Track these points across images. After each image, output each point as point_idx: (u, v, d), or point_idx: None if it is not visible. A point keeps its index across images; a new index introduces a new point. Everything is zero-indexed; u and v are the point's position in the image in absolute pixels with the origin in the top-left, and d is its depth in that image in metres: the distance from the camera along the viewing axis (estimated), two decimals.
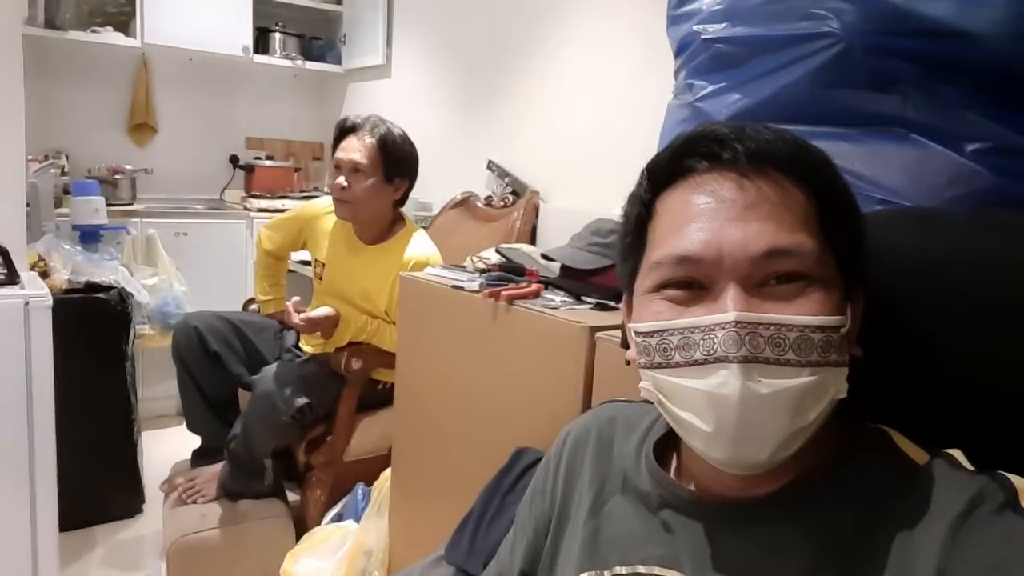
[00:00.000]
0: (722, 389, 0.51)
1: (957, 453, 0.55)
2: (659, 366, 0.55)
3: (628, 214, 0.64)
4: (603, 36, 2.19)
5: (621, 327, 0.98)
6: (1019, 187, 0.71)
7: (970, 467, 0.53)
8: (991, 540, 0.47)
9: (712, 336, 0.51)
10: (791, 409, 0.51)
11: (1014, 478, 0.51)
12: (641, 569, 0.60)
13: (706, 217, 0.54)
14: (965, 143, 0.73)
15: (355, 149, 1.97)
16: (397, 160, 2.00)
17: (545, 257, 1.46)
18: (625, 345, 0.77)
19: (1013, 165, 0.72)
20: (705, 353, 0.52)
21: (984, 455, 0.54)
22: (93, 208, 2.82)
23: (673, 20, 1.04)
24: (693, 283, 0.54)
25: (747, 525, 0.56)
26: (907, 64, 0.75)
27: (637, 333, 0.58)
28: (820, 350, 0.51)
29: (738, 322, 0.50)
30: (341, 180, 1.96)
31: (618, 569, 0.62)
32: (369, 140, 1.97)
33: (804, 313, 0.51)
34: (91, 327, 2.25)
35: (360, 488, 1.92)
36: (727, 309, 0.51)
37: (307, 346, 2.17)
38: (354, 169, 1.96)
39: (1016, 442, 0.57)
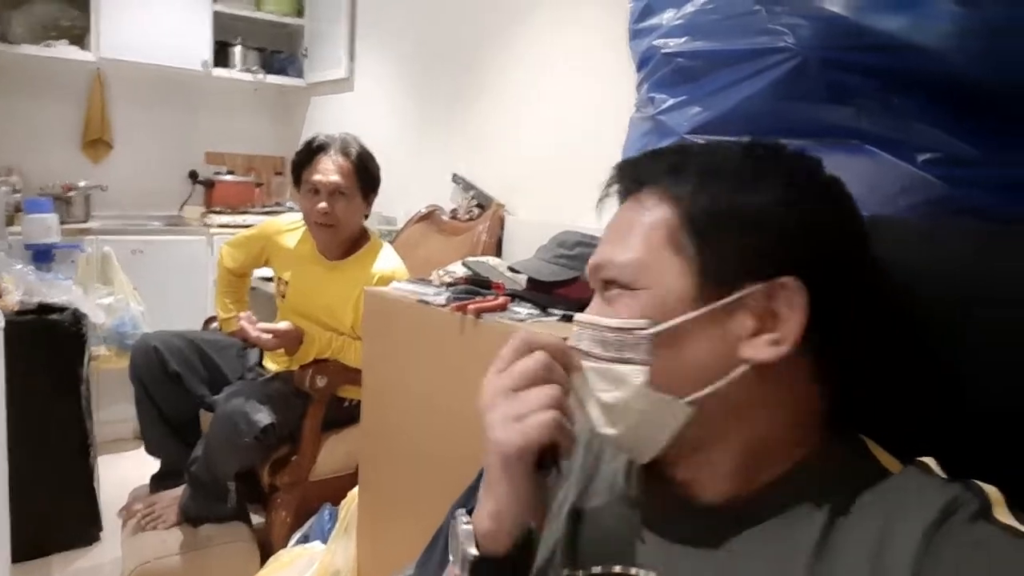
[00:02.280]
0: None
1: (931, 461, 0.55)
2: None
3: None
4: (566, 49, 2.21)
5: None
6: (969, 196, 0.73)
7: (943, 475, 0.54)
8: (964, 549, 0.47)
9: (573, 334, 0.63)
10: (599, 390, 0.59)
11: (988, 487, 0.51)
12: (617, 569, 0.61)
13: (602, 238, 0.65)
14: (917, 153, 0.75)
15: (333, 172, 1.94)
16: (371, 177, 2.01)
17: (511, 270, 1.46)
18: None
19: (963, 175, 0.73)
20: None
21: (959, 462, 0.55)
22: (46, 226, 2.75)
23: (635, 34, 1.05)
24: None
25: (716, 530, 0.57)
26: (861, 77, 0.77)
27: None
28: (615, 348, 0.58)
29: (578, 321, 0.63)
30: (323, 205, 1.93)
31: (595, 569, 0.63)
32: (344, 161, 1.96)
33: (613, 316, 0.59)
34: (44, 349, 2.18)
35: (327, 508, 1.89)
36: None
37: (271, 364, 2.13)
38: (335, 192, 1.94)
39: (987, 450, 0.58)
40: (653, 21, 1.00)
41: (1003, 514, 0.49)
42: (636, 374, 0.57)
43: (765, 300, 0.55)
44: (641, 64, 1.04)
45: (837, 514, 0.53)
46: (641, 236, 0.59)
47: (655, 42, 0.97)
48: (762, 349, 0.55)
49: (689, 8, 0.92)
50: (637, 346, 0.57)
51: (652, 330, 0.56)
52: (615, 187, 0.66)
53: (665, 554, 0.60)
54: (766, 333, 0.55)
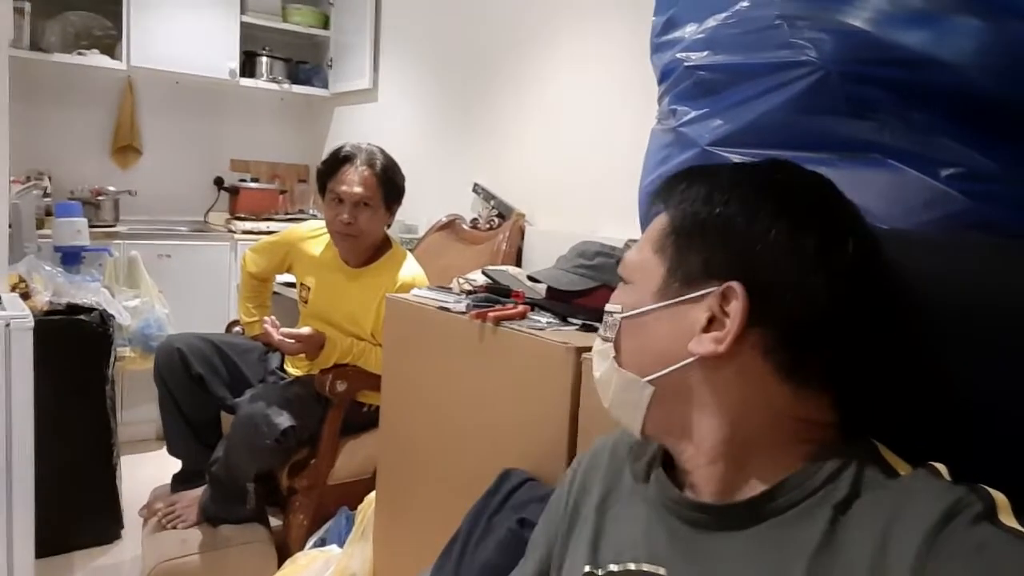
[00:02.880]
0: None
1: (940, 466, 0.56)
2: None
3: None
4: (588, 61, 2.23)
5: None
6: (991, 211, 0.73)
7: (949, 479, 0.54)
8: (966, 551, 0.48)
9: None
10: (595, 368, 0.71)
11: (994, 492, 0.52)
12: (631, 566, 0.65)
13: None
14: (939, 168, 0.75)
15: (357, 183, 1.97)
16: (395, 188, 2.04)
17: (531, 279, 1.47)
18: None
19: (985, 189, 0.74)
20: None
21: (968, 468, 0.55)
22: (75, 229, 2.80)
23: (656, 48, 1.06)
24: None
25: (720, 530, 0.60)
26: (883, 91, 0.78)
27: None
28: (604, 328, 0.69)
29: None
30: (345, 216, 1.97)
31: (611, 567, 0.67)
32: (369, 172, 1.98)
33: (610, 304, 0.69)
34: (71, 349, 2.22)
35: (344, 512, 1.90)
36: None
37: (292, 368, 2.16)
38: (359, 203, 1.97)
39: (996, 457, 0.58)
40: (675, 35, 1.01)
41: (1008, 518, 0.50)
42: (608, 351, 0.68)
43: (718, 302, 0.60)
44: (663, 77, 1.05)
45: (841, 513, 0.55)
46: (645, 241, 0.68)
47: (677, 55, 0.98)
48: (704, 344, 0.60)
49: (711, 22, 0.93)
50: (613, 327, 0.68)
51: (620, 315, 0.67)
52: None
53: (674, 551, 0.63)
54: (714, 331, 0.60)
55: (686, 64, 0.95)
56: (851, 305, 0.59)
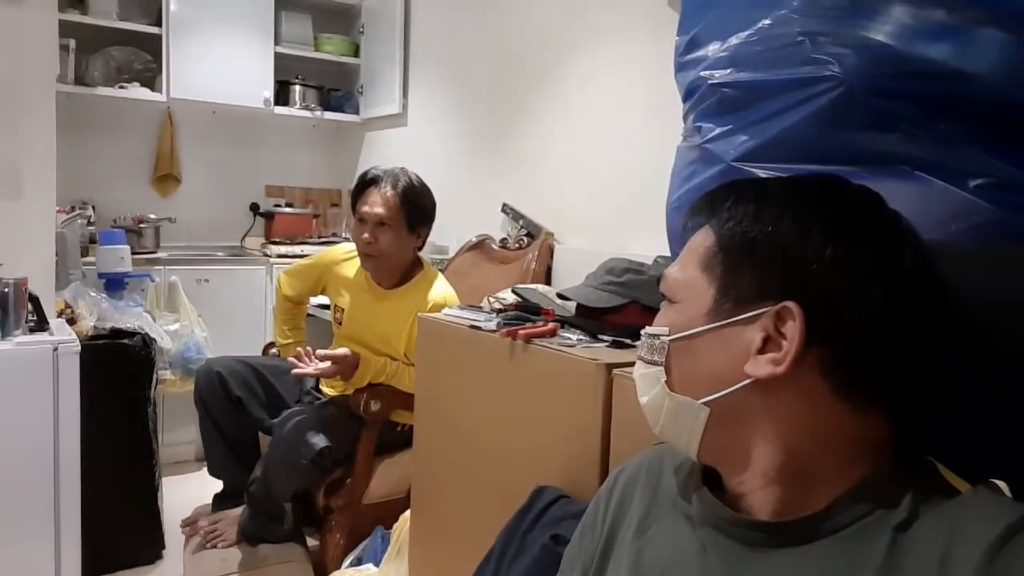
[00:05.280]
0: None
1: (1000, 483, 0.56)
2: None
3: None
4: (611, 81, 2.25)
5: None
6: (1020, 220, 0.73)
7: (1010, 496, 0.54)
8: None
9: None
10: (640, 393, 0.69)
11: None
12: None
13: None
14: (967, 179, 0.75)
15: (379, 204, 2.02)
16: (419, 210, 2.06)
17: (561, 296, 1.48)
18: None
19: (1015, 200, 0.74)
20: None
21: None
22: (118, 256, 2.89)
23: (680, 67, 1.08)
24: None
25: (777, 548, 0.59)
26: (907, 104, 0.78)
27: None
28: (648, 351, 0.67)
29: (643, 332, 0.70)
30: (367, 235, 2.01)
31: None
32: (391, 193, 2.02)
33: (654, 325, 0.67)
34: (116, 372, 2.28)
35: (379, 531, 1.92)
36: None
37: (327, 388, 2.19)
38: (379, 223, 2.01)
39: None
40: (699, 53, 1.03)
41: None
42: (657, 375, 0.65)
43: (773, 322, 0.59)
44: (687, 95, 1.06)
45: (901, 533, 0.54)
46: (689, 258, 0.66)
47: (701, 73, 1.00)
48: (762, 366, 0.58)
49: (734, 40, 0.94)
50: (661, 350, 0.65)
51: (668, 338, 0.65)
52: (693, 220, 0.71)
53: (726, 570, 0.61)
54: (770, 352, 0.58)
55: (710, 82, 0.97)
56: (910, 319, 0.58)
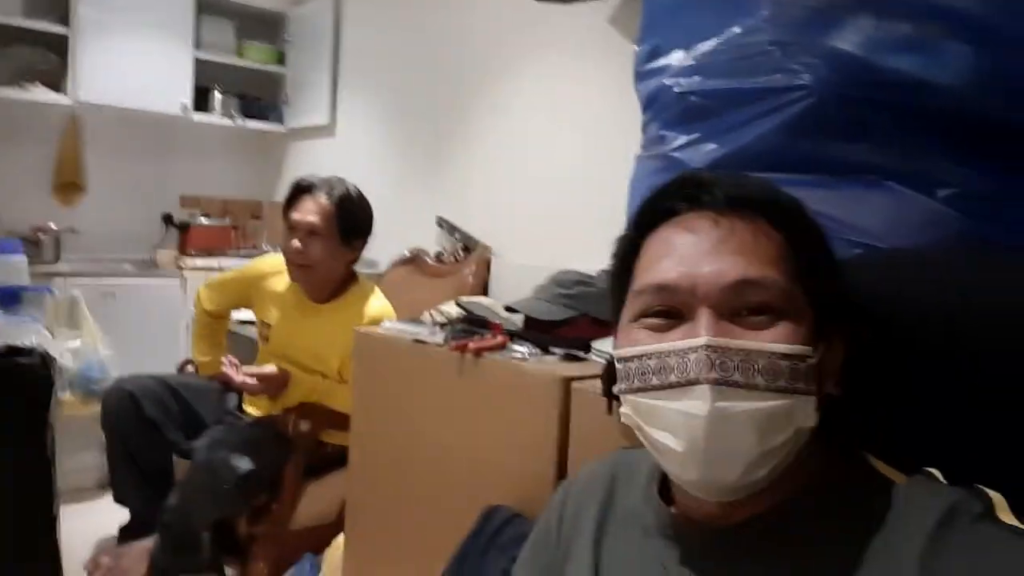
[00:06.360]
0: (693, 408, 0.54)
1: (934, 471, 0.57)
2: (638, 390, 0.58)
3: (616, 252, 0.68)
4: (553, 93, 2.26)
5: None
6: (988, 230, 0.75)
7: (945, 482, 0.56)
8: (969, 550, 0.49)
9: (686, 359, 0.55)
10: (757, 431, 0.53)
11: (991, 491, 0.53)
12: None
13: (684, 250, 0.59)
14: (936, 188, 0.77)
15: (312, 211, 1.92)
16: (355, 221, 1.97)
17: (509, 309, 1.44)
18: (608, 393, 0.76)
19: (981, 209, 0.75)
20: (679, 375, 0.55)
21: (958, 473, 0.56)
22: (15, 268, 2.65)
23: (641, 75, 1.07)
24: (671, 312, 0.58)
25: (731, 553, 0.59)
26: (876, 114, 0.79)
27: (619, 359, 0.61)
28: (787, 377, 0.54)
29: (709, 346, 0.54)
30: (297, 244, 1.91)
31: None
32: (326, 202, 1.93)
33: (772, 341, 0.54)
34: (10, 393, 2.07)
35: (308, 559, 1.81)
36: (700, 334, 0.55)
37: (251, 408, 2.07)
38: (310, 232, 1.91)
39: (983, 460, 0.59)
40: (662, 62, 1.02)
41: (1007, 516, 0.51)
42: (805, 405, 0.55)
43: (839, 341, 0.60)
44: (648, 103, 1.05)
45: (848, 527, 0.55)
46: (775, 260, 0.57)
47: (665, 81, 0.99)
48: (833, 386, 0.59)
49: (701, 48, 0.94)
50: (799, 375, 0.55)
51: (814, 358, 0.55)
52: (678, 200, 0.63)
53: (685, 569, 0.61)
54: (833, 371, 0.59)
55: (676, 90, 0.96)
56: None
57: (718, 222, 0.59)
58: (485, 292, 2.32)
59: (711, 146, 0.90)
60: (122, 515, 2.12)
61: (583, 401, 1.07)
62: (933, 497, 0.53)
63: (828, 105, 0.81)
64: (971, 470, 0.56)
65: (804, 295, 0.57)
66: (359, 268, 2.13)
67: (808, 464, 0.59)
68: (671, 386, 0.55)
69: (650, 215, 0.64)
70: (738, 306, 0.56)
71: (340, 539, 1.64)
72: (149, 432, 1.99)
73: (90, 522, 2.43)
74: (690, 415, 0.54)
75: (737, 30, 0.89)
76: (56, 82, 3.26)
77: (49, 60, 3.28)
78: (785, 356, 0.54)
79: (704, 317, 0.55)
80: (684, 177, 0.65)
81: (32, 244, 3.08)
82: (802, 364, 0.55)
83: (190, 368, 2.33)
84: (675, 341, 0.56)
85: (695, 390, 0.54)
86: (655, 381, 0.57)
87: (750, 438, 0.53)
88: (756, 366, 0.53)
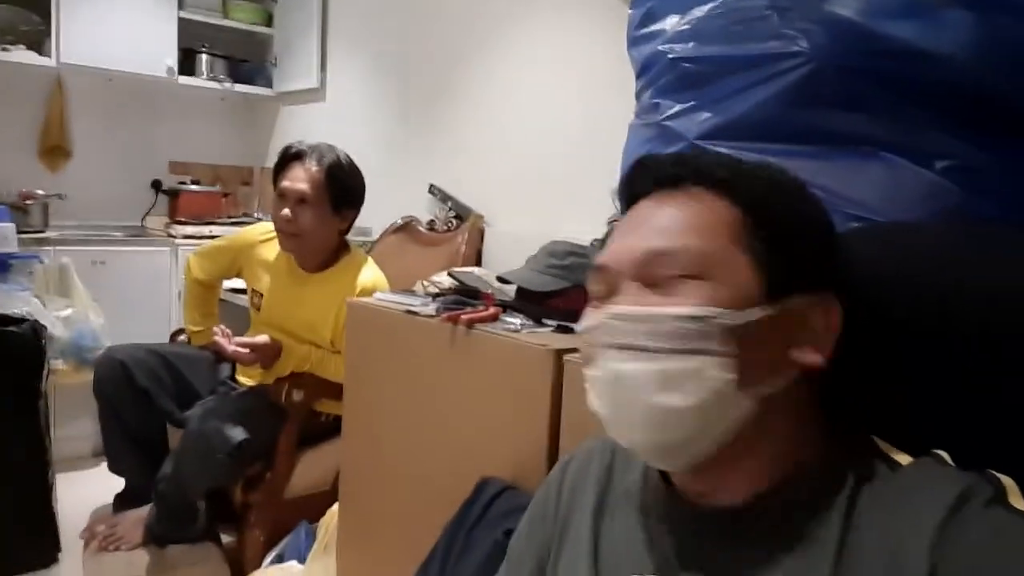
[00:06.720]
0: (597, 371, 0.59)
1: (942, 453, 0.56)
2: (584, 364, 0.63)
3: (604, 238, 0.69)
4: (547, 58, 2.21)
5: None
6: (986, 204, 0.73)
7: (954, 465, 0.55)
8: (981, 536, 0.48)
9: (597, 330, 0.60)
10: (654, 389, 0.55)
11: (1002, 476, 0.52)
12: None
13: (617, 234, 0.64)
14: (934, 160, 0.75)
15: (301, 179, 1.89)
16: (345, 190, 1.94)
17: (501, 280, 1.43)
18: None
19: (978, 183, 0.74)
20: (591, 344, 0.61)
21: (969, 457, 0.55)
22: (2, 236, 2.62)
23: (635, 41, 1.04)
24: (609, 290, 0.61)
25: (731, 533, 0.58)
26: (874, 84, 0.77)
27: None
28: (696, 339, 0.54)
29: (613, 315, 0.58)
30: (286, 212, 1.88)
31: None
32: (316, 169, 1.89)
33: (678, 306, 0.55)
34: (2, 363, 2.07)
35: (304, 526, 1.82)
36: (617, 305, 0.59)
37: (244, 378, 2.06)
38: (300, 200, 1.88)
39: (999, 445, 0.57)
40: (655, 27, 0.99)
41: (1018, 501, 0.50)
42: (715, 366, 0.54)
43: (812, 309, 0.58)
44: (643, 70, 1.03)
45: (851, 510, 0.54)
46: (704, 229, 0.58)
47: (659, 48, 0.96)
48: (808, 355, 0.57)
49: (696, 13, 0.91)
50: (710, 336, 0.54)
51: (730, 320, 0.55)
52: (636, 184, 0.66)
53: (680, 559, 0.61)
54: (809, 341, 0.57)
55: (670, 56, 0.93)
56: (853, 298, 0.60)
57: (661, 203, 0.62)
58: (478, 261, 2.30)
59: (705, 115, 0.88)
60: (117, 483, 2.13)
61: (575, 373, 1.06)
62: (943, 482, 0.52)
63: (825, 74, 0.78)
64: (965, 453, 0.55)
65: (753, 260, 0.57)
66: (351, 236, 2.10)
67: (805, 442, 0.58)
68: (589, 357, 0.61)
69: (625, 201, 0.68)
70: (654, 276, 0.58)
71: (335, 507, 1.64)
72: (141, 402, 1.99)
73: (86, 490, 2.45)
74: (596, 378, 0.60)
75: None
76: (39, 44, 3.18)
77: (31, 21, 3.19)
78: (694, 318, 0.55)
79: (623, 289, 0.60)
80: (633, 165, 0.67)
81: (19, 211, 3.03)
82: (714, 326, 0.54)
83: (182, 338, 2.32)
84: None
85: (601, 355, 0.59)
86: (584, 353, 0.62)
87: (646, 397, 0.56)
88: (661, 330, 0.55)
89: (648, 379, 0.55)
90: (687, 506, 0.62)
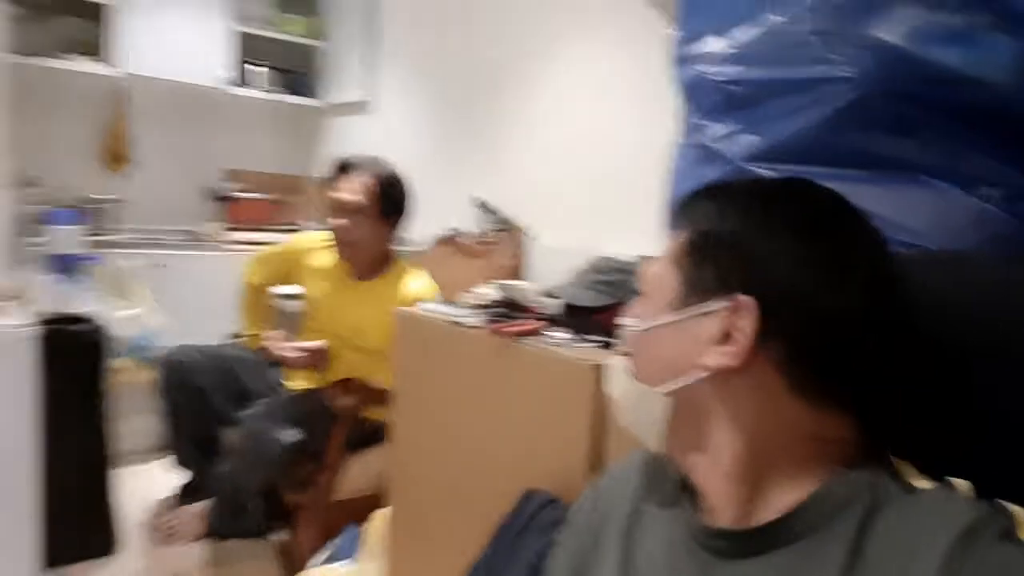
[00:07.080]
0: None
1: (961, 482, 0.56)
2: None
3: None
4: (593, 75, 2.23)
5: None
6: None
7: (970, 495, 0.55)
8: (988, 570, 0.48)
9: None
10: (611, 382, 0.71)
11: (1014, 508, 0.52)
12: None
13: None
14: (981, 188, 0.75)
15: (355, 190, 1.96)
16: (396, 201, 2.02)
17: (547, 294, 1.45)
18: None
19: None
20: None
21: (985, 481, 0.55)
22: (70, 238, 2.75)
23: (679, 62, 1.05)
24: None
25: (744, 556, 0.59)
26: (921, 109, 0.78)
27: None
28: (628, 343, 0.68)
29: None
30: (344, 222, 1.95)
31: None
32: (369, 179, 1.97)
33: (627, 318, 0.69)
34: (67, 359, 2.16)
35: (352, 528, 1.87)
36: None
37: (297, 381, 2.13)
38: (355, 210, 1.95)
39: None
40: (699, 49, 1.00)
41: None
42: (626, 364, 0.68)
43: (729, 315, 0.59)
44: (687, 91, 1.04)
45: (862, 534, 0.54)
46: (664, 256, 0.67)
47: (704, 69, 0.98)
48: (716, 357, 0.59)
49: (741, 36, 0.92)
50: (637, 343, 0.67)
51: (639, 328, 0.66)
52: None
53: (700, 573, 0.62)
54: (725, 345, 0.59)
55: (715, 79, 0.95)
56: (865, 321, 0.58)
57: (675, 232, 0.68)
58: (522, 275, 2.33)
59: (751, 138, 0.89)
60: (177, 477, 2.21)
61: None
62: (954, 512, 0.52)
63: (872, 99, 0.79)
64: (995, 481, 0.55)
65: (681, 275, 0.63)
66: (401, 247, 2.16)
67: (819, 467, 0.58)
68: None
69: None
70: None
71: (381, 511, 1.69)
72: (198, 401, 2.07)
73: (146, 484, 2.55)
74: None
75: (778, 17, 0.87)
76: (94, 53, 3.32)
77: (88, 31, 3.34)
78: (624, 327, 0.69)
79: None
80: (675, 206, 0.73)
81: (83, 215, 3.18)
82: (625, 332, 0.68)
83: (239, 340, 2.40)
84: None
85: None
86: None
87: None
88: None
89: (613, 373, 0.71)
90: (704, 525, 0.63)
